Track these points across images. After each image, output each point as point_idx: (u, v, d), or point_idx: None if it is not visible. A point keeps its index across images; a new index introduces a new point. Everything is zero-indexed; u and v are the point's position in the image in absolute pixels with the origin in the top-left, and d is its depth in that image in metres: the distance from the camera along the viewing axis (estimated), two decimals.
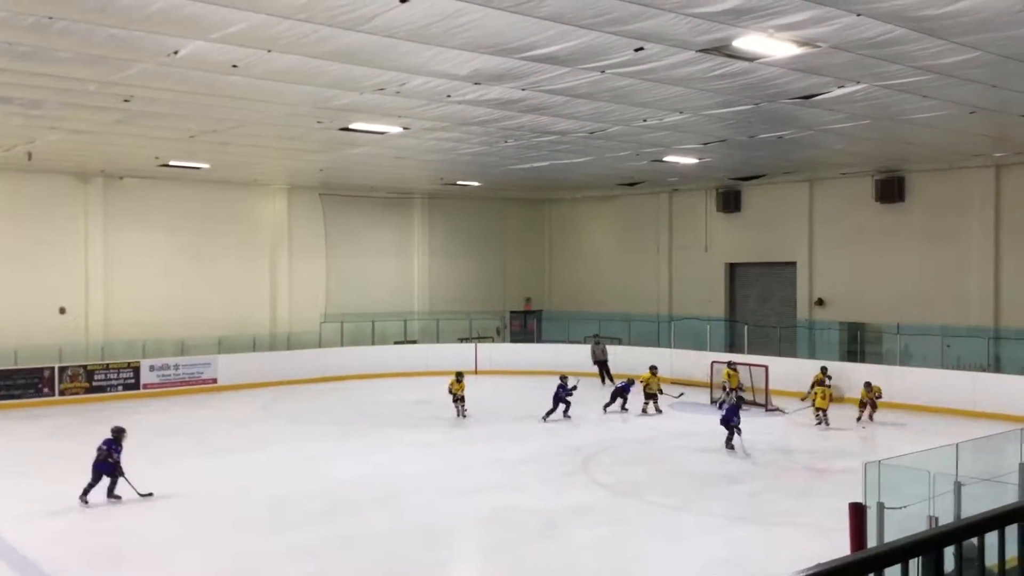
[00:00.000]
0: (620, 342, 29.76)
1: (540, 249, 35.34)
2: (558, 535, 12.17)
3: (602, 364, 27.38)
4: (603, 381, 26.73)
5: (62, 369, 24.11)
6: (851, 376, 22.87)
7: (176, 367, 25.73)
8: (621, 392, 21.84)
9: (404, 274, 32.55)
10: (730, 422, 17.26)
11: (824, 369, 21.79)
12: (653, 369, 22.13)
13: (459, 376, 21.53)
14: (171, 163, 23.12)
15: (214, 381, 26.10)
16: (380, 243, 31.92)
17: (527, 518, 12.84)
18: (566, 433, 19.25)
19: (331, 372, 27.64)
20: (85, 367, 24.49)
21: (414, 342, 30.96)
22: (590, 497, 14.21)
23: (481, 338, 31.45)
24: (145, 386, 25.09)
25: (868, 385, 20.30)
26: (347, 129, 17.55)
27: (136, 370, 25.14)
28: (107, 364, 24.87)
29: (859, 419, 20.08)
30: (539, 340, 32.31)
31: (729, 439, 17.25)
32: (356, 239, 31.20)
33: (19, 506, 13.52)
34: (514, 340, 32.90)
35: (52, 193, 25.37)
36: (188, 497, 14.17)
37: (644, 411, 21.46)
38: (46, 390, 23.74)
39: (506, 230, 34.29)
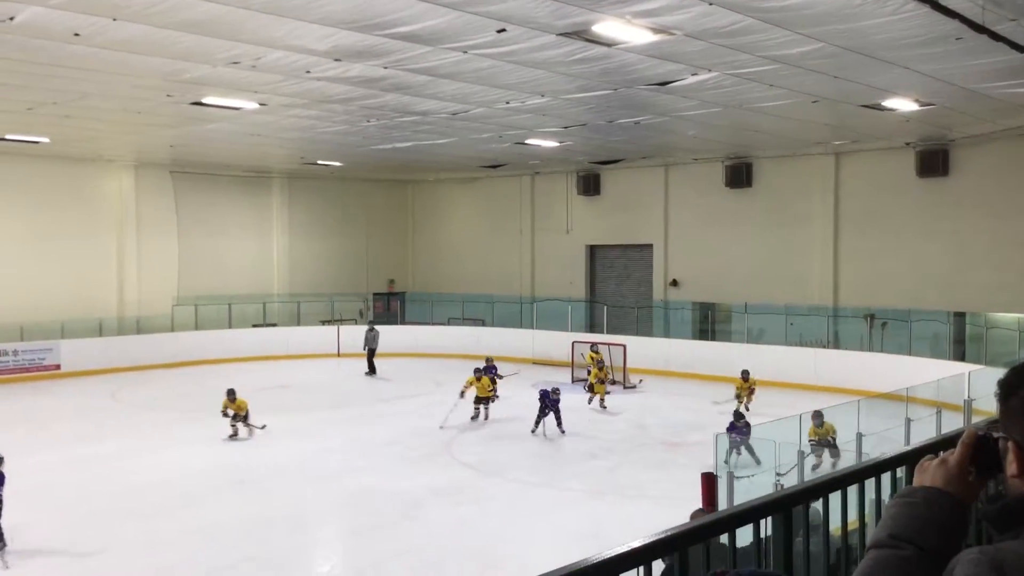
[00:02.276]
0: (483, 323, 29.98)
1: (403, 230, 35.08)
2: (421, 516, 12.19)
3: (371, 352, 26.08)
4: (370, 370, 25.71)
5: None
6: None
7: (15, 353, 24.20)
8: (552, 405, 17.51)
9: (263, 255, 31.66)
10: (545, 412, 17.38)
11: (745, 373, 19.55)
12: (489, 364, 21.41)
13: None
14: (6, 136, 21.65)
15: (57, 367, 24.69)
16: (237, 223, 30.89)
17: (390, 500, 12.81)
18: (428, 415, 19.25)
19: (185, 357, 26.63)
20: None
21: (274, 325, 30.20)
22: (453, 477, 14.29)
23: (343, 320, 31.00)
24: None
25: (746, 374, 19.35)
26: (199, 104, 16.86)
27: None
28: None
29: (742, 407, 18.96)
30: (402, 322, 32.13)
31: (536, 423, 17.39)
32: (211, 219, 30.08)
33: None
34: (377, 322, 32.62)
35: None
36: (29, 492, 13.39)
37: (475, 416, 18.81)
38: None
39: (369, 211, 33.85)
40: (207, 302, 28.88)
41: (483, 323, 30.01)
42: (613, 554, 2.20)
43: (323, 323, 30.48)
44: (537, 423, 17.32)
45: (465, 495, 13.22)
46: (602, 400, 20.06)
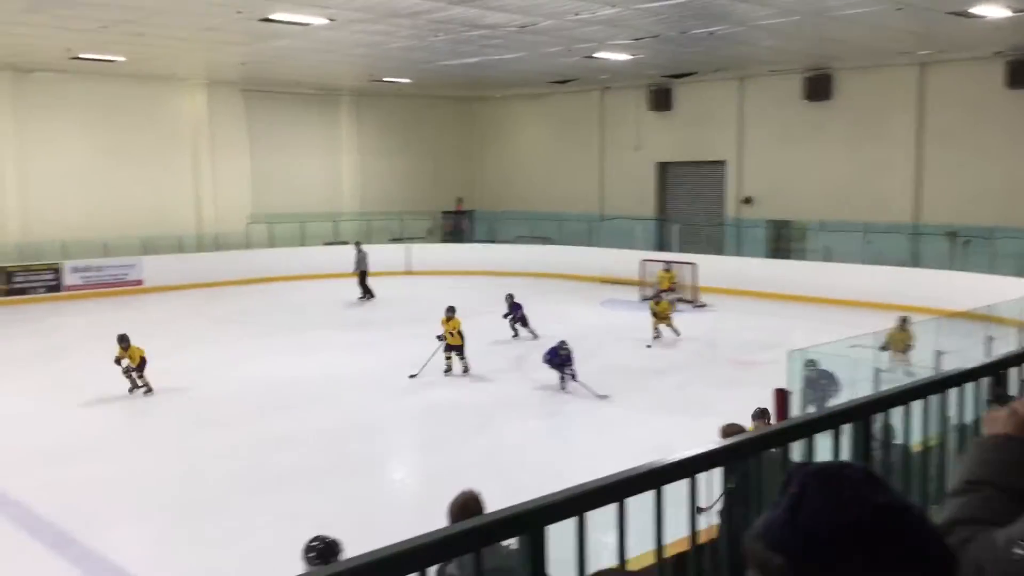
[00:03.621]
0: (551, 242, 29.89)
1: (471, 148, 34.90)
2: (492, 429, 12.41)
3: (363, 274, 25.12)
4: (364, 294, 24.83)
5: None
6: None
7: (100, 269, 25.07)
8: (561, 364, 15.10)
9: (333, 174, 31.91)
10: (561, 369, 14.83)
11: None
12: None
13: (451, 312, 16.16)
14: (83, 56, 21.98)
15: (139, 283, 25.53)
16: (307, 142, 31.11)
17: (462, 413, 13.04)
18: (500, 332, 19.41)
19: (259, 274, 27.22)
20: (3, 268, 23.69)
21: (344, 243, 30.58)
22: (524, 393, 14.46)
23: (412, 239, 31.24)
24: (67, 288, 24.43)
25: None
26: (268, 20, 16.83)
27: (58, 272, 24.43)
28: (27, 265, 24.10)
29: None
30: (470, 240, 32.23)
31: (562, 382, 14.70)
32: (281, 137, 30.34)
33: None
34: (445, 241, 32.77)
35: None
36: (117, 399, 13.99)
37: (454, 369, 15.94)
38: None
39: (437, 129, 33.72)
40: (280, 220, 29.36)
41: (551, 241, 29.93)
42: (681, 457, 2.18)
43: (392, 241, 30.77)
44: (563, 380, 14.66)
45: (535, 410, 13.40)
46: (670, 324, 18.46)
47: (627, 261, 26.04)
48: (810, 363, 11.00)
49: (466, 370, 15.65)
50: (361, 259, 25.23)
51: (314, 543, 5.47)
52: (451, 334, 15.68)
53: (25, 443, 11.93)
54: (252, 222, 29.12)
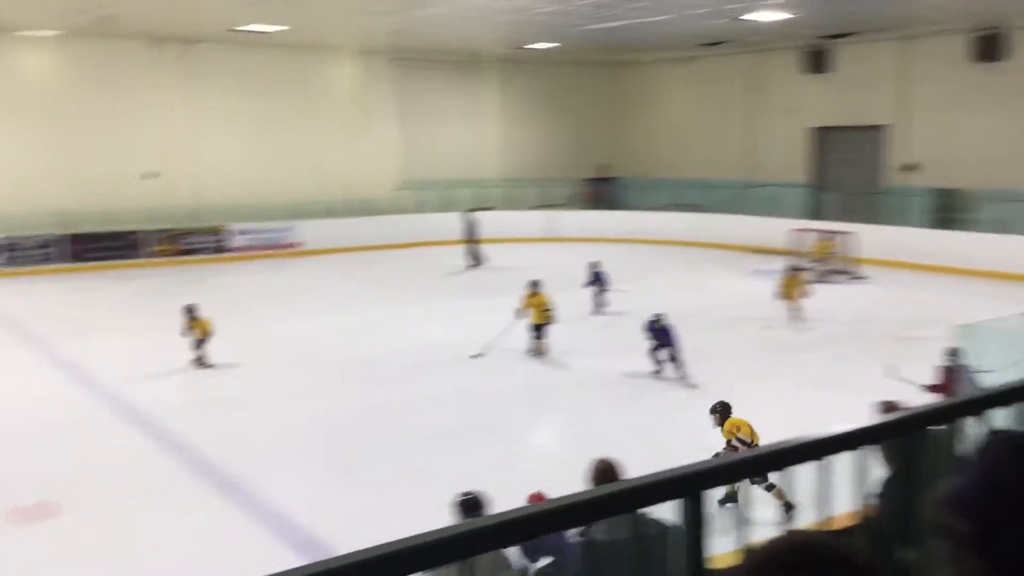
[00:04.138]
0: (698, 209, 29.29)
1: (616, 114, 34.49)
2: (642, 396, 12.36)
3: (473, 243, 24.65)
4: (474, 262, 24.42)
5: (153, 232, 24.94)
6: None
7: (260, 232, 26.40)
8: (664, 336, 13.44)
9: (477, 141, 32.27)
10: (659, 348, 13.33)
11: None
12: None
13: (535, 286, 14.93)
14: (242, 27, 22.97)
15: (294, 246, 26.70)
16: (452, 109, 31.57)
17: (613, 380, 13.02)
18: (645, 300, 19.24)
19: (407, 239, 27.92)
20: (175, 230, 25.29)
21: (489, 209, 30.95)
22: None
23: (555, 205, 31.27)
24: (232, 249, 25.86)
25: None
26: None
27: (223, 234, 25.87)
28: (195, 228, 25.64)
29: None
30: (614, 207, 31.98)
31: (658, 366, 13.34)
32: (428, 105, 30.89)
33: (125, 362, 14.25)
34: (588, 208, 32.64)
35: (128, 59, 25.53)
36: (276, 357, 14.72)
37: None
38: (137, 253, 24.64)
39: (581, 95, 33.51)
40: (426, 186, 29.99)
41: (697, 209, 29.33)
42: (845, 430, 2.11)
43: (535, 208, 30.90)
44: (657, 363, 13.29)
45: (673, 380, 13.22)
46: (796, 305, 16.63)
47: (777, 230, 25.23)
48: (953, 352, 10.19)
49: (543, 352, 14.32)
50: (471, 226, 25.06)
51: (464, 498, 5.68)
52: (537, 311, 14.43)
53: (196, 393, 12.76)
54: (400, 188, 29.88)
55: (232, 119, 27.27)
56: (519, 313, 14.45)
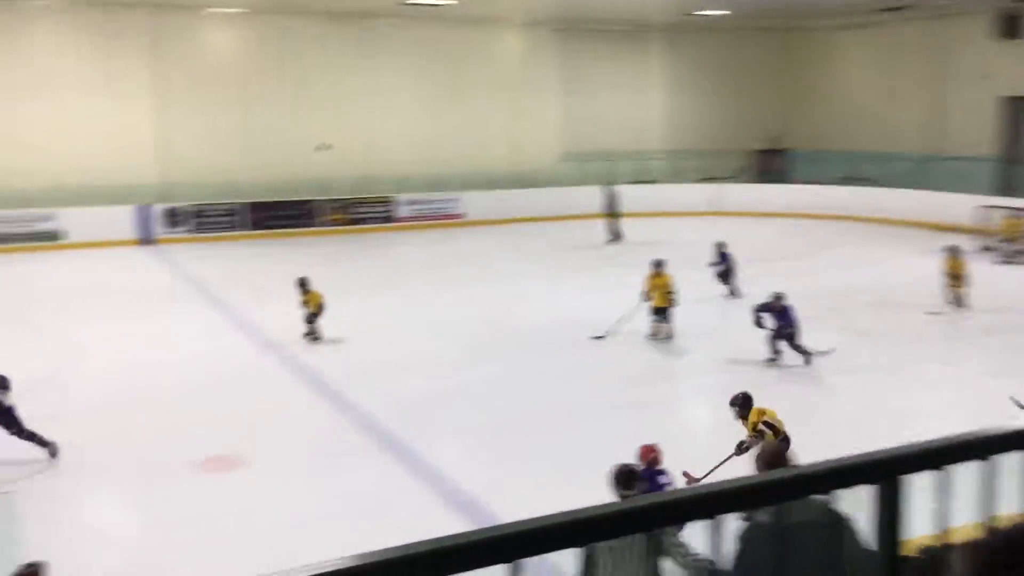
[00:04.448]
0: (875, 183, 27.83)
1: (788, 83, 33.10)
2: (803, 376, 11.94)
3: (612, 215, 24.21)
4: (614, 236, 23.97)
5: (326, 202, 26.08)
6: None
7: (426, 202, 27.12)
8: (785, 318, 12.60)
9: (641, 112, 31.80)
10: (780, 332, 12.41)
11: None
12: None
13: (659, 267, 14.16)
14: (414, 1, 23.51)
15: (460, 216, 27.26)
16: (616, 80, 31.21)
17: (738, 366, 12.61)
18: (809, 276, 18.53)
19: (569, 211, 27.92)
20: (347, 200, 26.35)
21: (652, 182, 30.53)
22: (839, 341, 13.73)
23: (722, 178, 30.47)
24: (399, 219, 26.70)
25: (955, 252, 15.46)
26: None
27: (392, 204, 26.74)
28: (366, 198, 26.62)
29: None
30: (785, 180, 30.84)
31: (773, 354, 12.52)
32: (592, 76, 30.68)
33: (301, 327, 15.02)
34: (757, 181, 31.61)
35: (307, 35, 26.64)
36: (437, 323, 15.11)
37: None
38: (313, 221, 25.84)
39: (751, 63, 32.37)
40: (588, 158, 29.87)
41: (874, 183, 27.86)
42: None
43: (701, 180, 30.23)
44: (775, 350, 12.41)
45: (850, 360, 12.68)
46: (959, 289, 15.29)
47: (962, 206, 23.65)
48: None
49: (669, 336, 13.63)
50: (611, 199, 24.60)
51: (621, 470, 5.73)
52: (660, 293, 13.67)
53: (363, 357, 13.26)
54: (563, 160, 29.91)
55: (401, 92, 28.02)
56: (644, 295, 13.83)
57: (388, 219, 26.63)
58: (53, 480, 8.81)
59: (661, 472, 7.00)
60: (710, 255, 17.17)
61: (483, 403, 11.18)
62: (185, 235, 24.38)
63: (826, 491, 1.77)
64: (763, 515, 3.32)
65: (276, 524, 7.83)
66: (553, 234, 25.41)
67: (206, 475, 8.92)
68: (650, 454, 7.09)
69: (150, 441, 9.86)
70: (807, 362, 12.27)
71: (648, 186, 29.94)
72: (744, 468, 6.86)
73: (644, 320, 13.85)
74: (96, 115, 24.48)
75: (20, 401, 9.68)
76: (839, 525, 3.16)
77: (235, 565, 6.82)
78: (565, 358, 12.95)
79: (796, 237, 24.53)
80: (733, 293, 16.69)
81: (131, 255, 22.51)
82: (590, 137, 30.46)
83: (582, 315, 15.36)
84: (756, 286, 17.13)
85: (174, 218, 24.48)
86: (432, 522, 7.64)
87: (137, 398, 11.35)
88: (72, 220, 23.29)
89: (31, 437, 9.21)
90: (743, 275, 16.94)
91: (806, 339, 12.51)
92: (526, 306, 16.36)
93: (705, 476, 7.52)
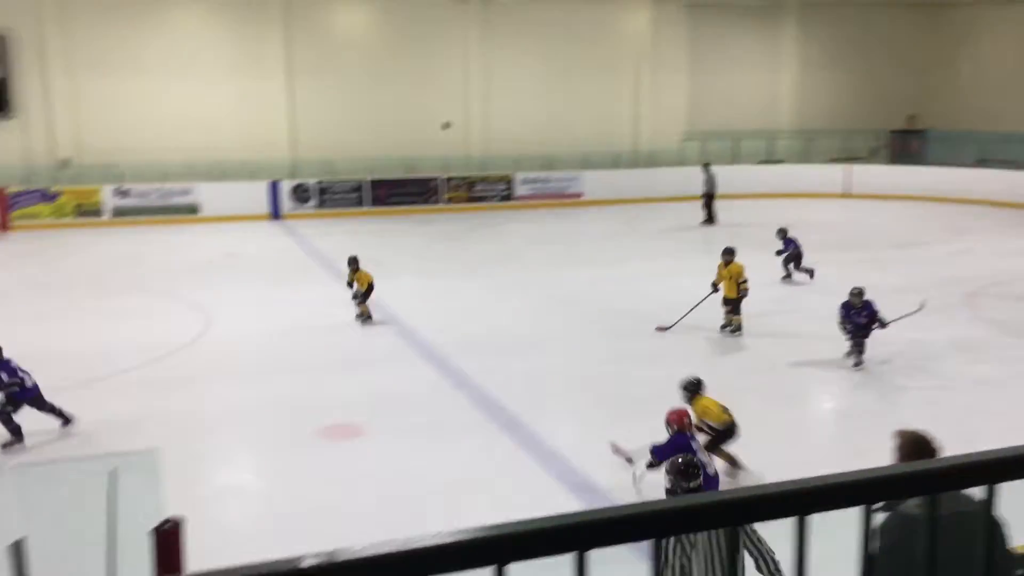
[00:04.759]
0: (1015, 166, 26.18)
1: (928, 60, 31.42)
2: (939, 369, 11.34)
3: (708, 197, 23.65)
4: (708, 218, 23.51)
5: (447, 180, 26.36)
6: None
7: (545, 181, 27.05)
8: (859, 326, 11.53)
9: (770, 90, 30.80)
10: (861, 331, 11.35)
11: None
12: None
13: (729, 255, 13.15)
14: None
15: (579, 195, 27.08)
16: (746, 57, 30.31)
17: (907, 349, 12.03)
18: (949, 265, 17.60)
19: (692, 191, 27.31)
20: (467, 178, 26.57)
21: (780, 162, 29.59)
22: (974, 333, 12.99)
23: (854, 159, 29.25)
24: (518, 198, 26.75)
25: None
26: None
27: (510, 183, 26.80)
28: (485, 176, 26.76)
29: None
30: (922, 162, 29.36)
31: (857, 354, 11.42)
32: (721, 53, 29.89)
33: (421, 302, 15.24)
34: (893, 162, 30.21)
35: (433, 15, 26.91)
36: (559, 301, 15.04)
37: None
38: (433, 199, 26.17)
39: (889, 40, 30.85)
40: (713, 137, 29.17)
41: (1016, 165, 26.21)
42: None
43: (832, 161, 29.11)
44: (857, 352, 11.32)
45: (985, 353, 11.98)
46: None
47: None
48: None
49: (738, 328, 12.79)
50: (709, 180, 23.91)
51: (686, 462, 5.60)
52: (730, 283, 12.79)
53: (484, 334, 13.31)
54: (686, 139, 29.30)
55: (524, 71, 27.98)
56: (715, 285, 13.02)
57: (507, 198, 26.71)
58: (191, 441, 9.19)
59: (693, 437, 7.39)
60: (777, 242, 16.52)
61: (594, 383, 11.07)
62: (311, 211, 25.09)
63: (984, 484, 1.60)
64: (911, 507, 3.13)
65: (390, 494, 7.95)
66: (672, 215, 24.95)
67: (328, 442, 9.14)
68: (684, 418, 7.43)
69: (276, 406, 10.18)
70: (856, 364, 11.24)
71: (775, 167, 29.07)
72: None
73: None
74: (232, 94, 25.43)
75: (158, 365, 10.15)
76: (990, 522, 2.94)
77: (351, 531, 6.95)
78: (682, 342, 12.68)
79: (931, 221, 23.34)
80: (790, 274, 16.31)
81: (261, 229, 23.32)
82: (716, 116, 29.74)
83: (691, 299, 15.04)
84: (879, 271, 16.43)
85: (301, 194, 25.22)
86: (552, 502, 7.62)
87: (265, 366, 11.73)
88: (207, 194, 24.31)
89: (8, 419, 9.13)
90: (868, 258, 16.24)
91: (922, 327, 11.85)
92: (639, 288, 16.10)
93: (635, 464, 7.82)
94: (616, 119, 29.07)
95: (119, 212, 23.82)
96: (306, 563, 1.08)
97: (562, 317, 14.14)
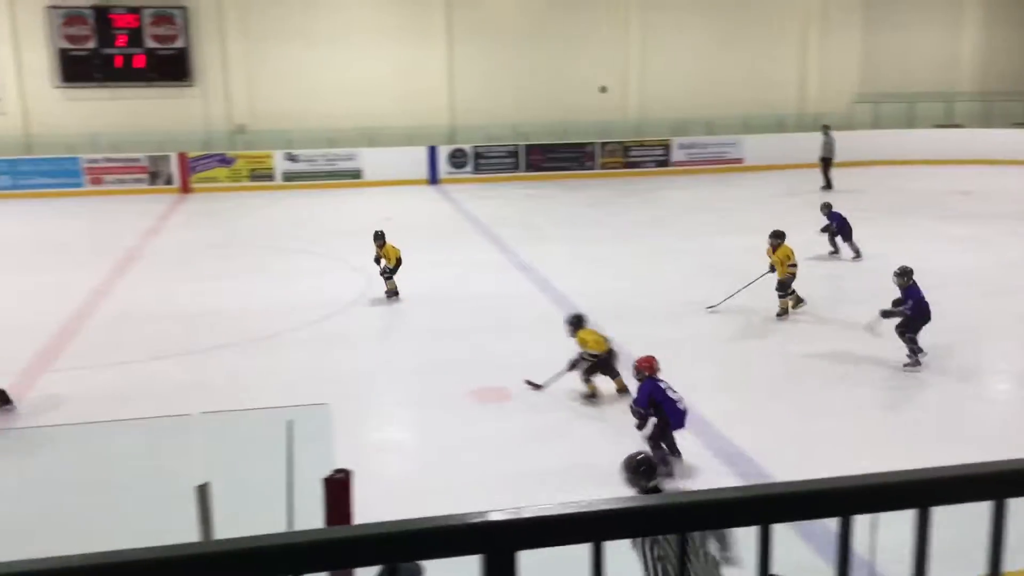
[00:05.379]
0: None
1: None
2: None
3: (826, 162, 22.96)
4: (826, 183, 22.57)
5: (602, 145, 26.20)
6: None
7: (703, 146, 26.46)
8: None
9: (950, 49, 28.86)
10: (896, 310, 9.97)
11: None
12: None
13: (778, 238, 12.44)
14: None
15: (739, 161, 26.34)
16: (925, 14, 28.47)
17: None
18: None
19: (860, 156, 26.07)
20: (622, 143, 26.32)
21: (958, 126, 27.77)
22: None
23: None
24: (674, 163, 26.30)
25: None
26: None
27: (667, 148, 26.37)
28: (641, 141, 26.43)
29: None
30: None
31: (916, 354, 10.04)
32: (898, 10, 28.20)
33: (572, 268, 15.32)
34: None
35: None
36: (715, 268, 14.75)
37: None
38: (588, 164, 26.09)
39: None
40: (887, 100, 27.66)
41: None
42: None
43: (1015, 126, 27.08)
44: (914, 343, 9.91)
45: None
46: None
47: None
48: None
49: (784, 312, 12.03)
50: (827, 145, 23.01)
51: (642, 459, 5.72)
52: (780, 265, 12.11)
53: (635, 301, 13.23)
54: (857, 101, 27.91)
55: (684, 32, 27.35)
56: (770, 267, 12.35)
57: (663, 163, 26.30)
58: (356, 398, 9.62)
59: (660, 380, 7.89)
60: (821, 219, 15.59)
61: (748, 355, 10.83)
62: (467, 175, 25.53)
63: None
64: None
65: (530, 459, 8.09)
66: (837, 182, 23.90)
67: (474, 403, 9.37)
68: (653, 363, 7.96)
69: (431, 366, 10.50)
70: (912, 364, 9.83)
71: (953, 130, 27.33)
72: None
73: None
74: (395, 61, 26.12)
75: (324, 324, 10.64)
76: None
77: (496, 494, 7.13)
78: (834, 320, 12.21)
79: None
80: (836, 249, 15.51)
81: (419, 193, 23.96)
82: (889, 77, 28.18)
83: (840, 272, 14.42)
84: None
85: (459, 159, 25.69)
86: (705, 476, 7.57)
87: (421, 327, 12.12)
88: (369, 160, 25.15)
89: None
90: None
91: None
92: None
93: (546, 385, 9.38)
94: (780, 81, 28.02)
95: (289, 176, 25.02)
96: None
97: (713, 286, 13.87)
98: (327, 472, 4.30)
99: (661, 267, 15.11)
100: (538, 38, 26.63)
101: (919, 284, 9.94)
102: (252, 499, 5.79)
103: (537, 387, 9.45)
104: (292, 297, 13.58)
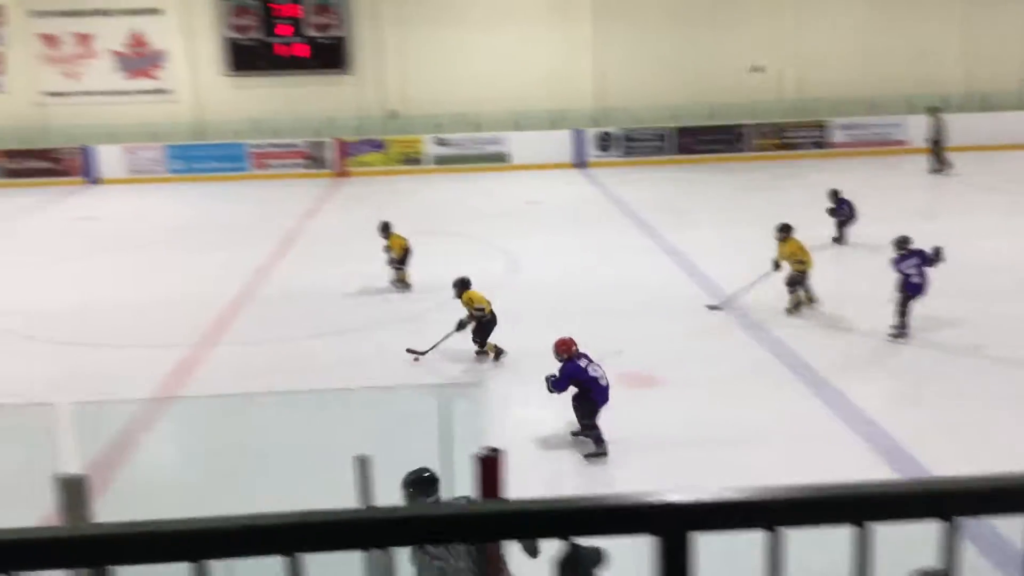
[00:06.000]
0: None
1: None
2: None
3: (936, 144, 21.79)
4: (939, 166, 21.59)
5: (755, 126, 25.46)
6: None
7: (865, 127, 25.31)
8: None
9: None
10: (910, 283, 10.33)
11: None
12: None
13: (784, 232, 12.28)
14: None
15: (903, 143, 25.04)
16: None
17: None
18: None
19: None
20: (777, 124, 25.50)
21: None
22: None
23: None
24: (833, 145, 25.28)
25: None
26: None
27: (824, 129, 25.38)
28: (798, 122, 25.53)
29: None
30: None
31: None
32: None
33: (721, 255, 15.01)
34: None
35: None
36: (869, 258, 14.12)
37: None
38: (739, 146, 25.43)
39: None
40: None
41: None
42: None
43: None
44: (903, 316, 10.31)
45: None
46: None
47: None
48: None
49: (794, 307, 11.62)
50: (937, 127, 21.66)
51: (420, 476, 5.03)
52: (791, 261, 11.73)
53: (780, 286, 12.84)
54: None
55: (840, 9, 26.18)
56: (775, 264, 11.93)
57: (820, 145, 25.33)
58: (502, 381, 9.79)
59: (583, 356, 8.03)
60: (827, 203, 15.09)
61: (902, 351, 10.36)
62: (615, 159, 25.36)
63: None
64: None
65: (681, 443, 8.02)
66: (1009, 165, 22.40)
67: (625, 388, 9.34)
68: (572, 346, 8.04)
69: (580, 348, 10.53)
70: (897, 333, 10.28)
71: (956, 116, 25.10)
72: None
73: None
74: (541, 45, 26.19)
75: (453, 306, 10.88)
76: None
77: (638, 477, 7.12)
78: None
79: None
80: (839, 240, 15.25)
81: (565, 177, 23.98)
82: None
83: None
84: None
85: (605, 142, 25.57)
86: (855, 465, 7.33)
87: (567, 309, 12.15)
88: (515, 143, 25.37)
89: None
90: None
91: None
92: (950, 246, 14.66)
93: (429, 350, 9.97)
94: (947, 57, 26.40)
95: (439, 160, 25.56)
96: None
97: (868, 276, 13.28)
98: (479, 450, 4.38)
99: (814, 255, 14.52)
100: (685, 17, 26.08)
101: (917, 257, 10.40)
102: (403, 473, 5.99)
103: (419, 355, 9.90)
104: (441, 278, 13.89)
